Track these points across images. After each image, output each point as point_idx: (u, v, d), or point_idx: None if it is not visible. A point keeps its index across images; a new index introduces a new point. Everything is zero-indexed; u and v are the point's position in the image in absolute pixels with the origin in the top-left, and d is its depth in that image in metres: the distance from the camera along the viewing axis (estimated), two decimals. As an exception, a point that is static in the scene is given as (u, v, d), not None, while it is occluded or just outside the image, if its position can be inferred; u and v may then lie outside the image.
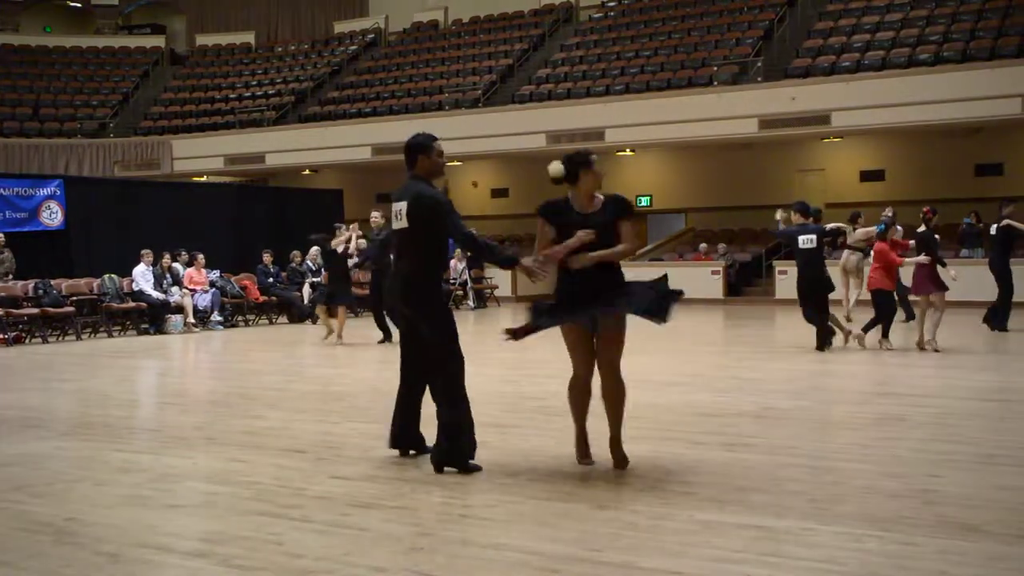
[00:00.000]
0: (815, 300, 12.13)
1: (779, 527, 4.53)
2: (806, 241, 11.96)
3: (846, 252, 15.84)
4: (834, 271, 13.43)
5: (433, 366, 5.88)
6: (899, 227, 14.48)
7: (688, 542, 4.35)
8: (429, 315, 5.85)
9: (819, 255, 12.09)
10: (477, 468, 5.76)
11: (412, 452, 6.20)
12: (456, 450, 5.74)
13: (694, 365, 11.01)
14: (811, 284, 12.07)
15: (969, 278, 18.44)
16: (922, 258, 11.91)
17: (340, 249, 14.50)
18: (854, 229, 15.85)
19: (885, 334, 12.25)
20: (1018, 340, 13.53)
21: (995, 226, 14.93)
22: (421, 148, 5.97)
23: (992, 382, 9.51)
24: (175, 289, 17.37)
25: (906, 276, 13.76)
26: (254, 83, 33.12)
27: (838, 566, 4.00)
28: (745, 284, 24.07)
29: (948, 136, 23.32)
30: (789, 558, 4.12)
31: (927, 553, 4.15)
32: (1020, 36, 21.63)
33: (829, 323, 12.29)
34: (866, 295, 15.53)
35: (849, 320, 15.17)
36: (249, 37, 36.33)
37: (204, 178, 30.00)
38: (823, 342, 12.07)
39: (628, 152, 25.97)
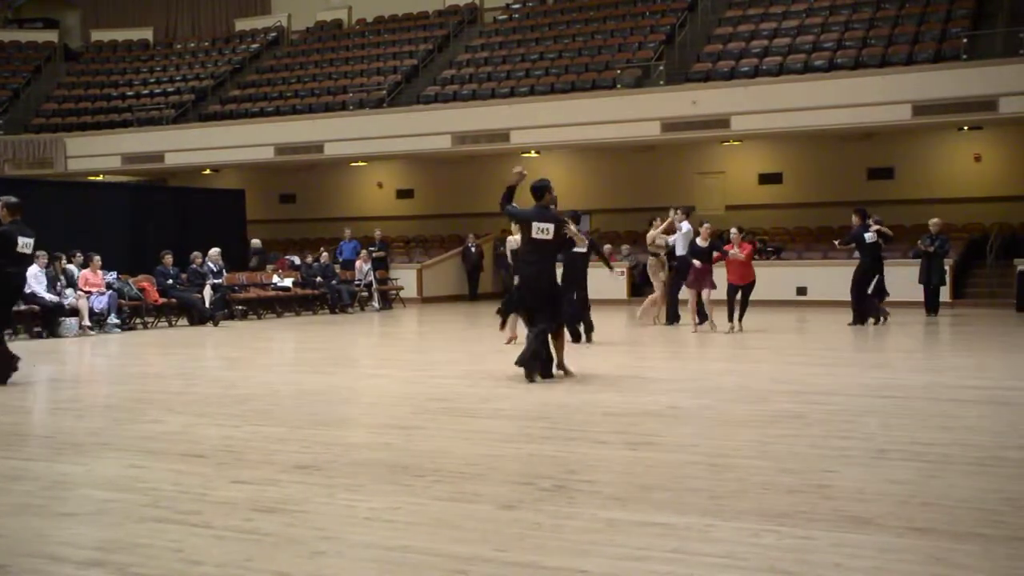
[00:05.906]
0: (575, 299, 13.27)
1: (681, 524, 4.60)
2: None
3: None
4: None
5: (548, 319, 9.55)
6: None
7: (593, 540, 4.38)
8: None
9: (585, 261, 13.08)
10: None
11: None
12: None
13: (598, 365, 11.11)
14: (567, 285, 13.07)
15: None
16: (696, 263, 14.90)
17: None
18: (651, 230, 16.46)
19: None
20: (911, 339, 13.98)
21: (871, 232, 15.88)
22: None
23: (884, 379, 9.81)
24: (69, 291, 16.86)
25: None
26: (152, 80, 32.38)
27: (738, 561, 4.08)
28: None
29: (842, 140, 24.02)
30: (691, 554, 4.18)
31: (823, 546, 4.26)
32: (909, 45, 22.39)
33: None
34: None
35: (641, 318, 15.73)
36: (147, 33, 35.49)
37: (100, 177, 29.21)
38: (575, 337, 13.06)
39: (533, 154, 26.10)
